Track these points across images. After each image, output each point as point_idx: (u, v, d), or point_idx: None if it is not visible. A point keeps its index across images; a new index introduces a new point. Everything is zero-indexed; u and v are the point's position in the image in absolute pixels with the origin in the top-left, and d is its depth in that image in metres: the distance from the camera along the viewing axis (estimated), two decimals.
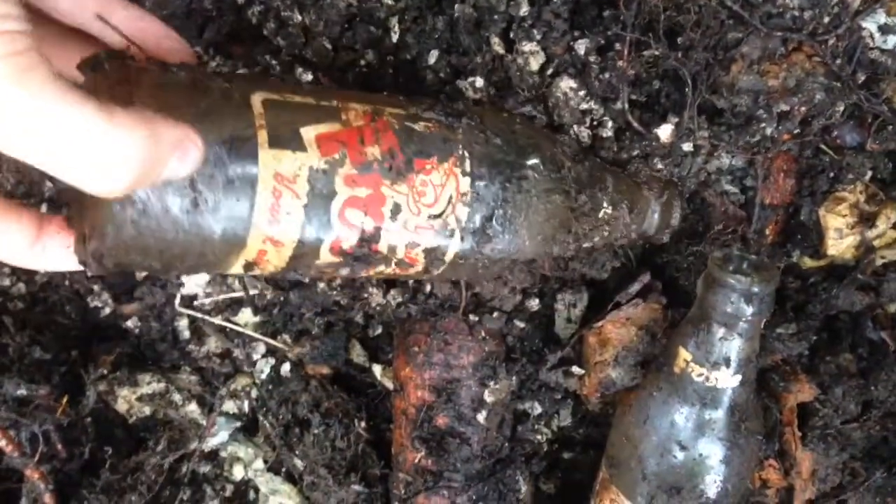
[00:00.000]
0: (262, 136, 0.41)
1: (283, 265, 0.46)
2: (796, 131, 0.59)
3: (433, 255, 0.50)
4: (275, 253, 0.44)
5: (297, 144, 0.43)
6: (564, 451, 0.71)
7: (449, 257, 0.50)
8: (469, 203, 0.49)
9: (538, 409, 0.66)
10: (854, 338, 0.65)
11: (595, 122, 0.58)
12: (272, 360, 0.67)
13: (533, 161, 0.52)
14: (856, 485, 0.66)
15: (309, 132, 0.44)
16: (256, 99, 0.42)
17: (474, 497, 0.61)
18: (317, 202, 0.44)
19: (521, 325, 0.63)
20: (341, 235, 0.46)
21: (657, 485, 0.58)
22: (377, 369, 0.67)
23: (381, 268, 0.49)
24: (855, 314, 0.63)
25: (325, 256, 0.46)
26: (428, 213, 0.48)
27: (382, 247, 0.48)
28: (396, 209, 0.47)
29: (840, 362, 0.63)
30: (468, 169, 0.49)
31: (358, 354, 0.68)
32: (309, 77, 0.59)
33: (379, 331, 0.67)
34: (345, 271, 0.48)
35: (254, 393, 0.67)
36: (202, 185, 0.39)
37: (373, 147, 0.46)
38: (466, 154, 0.50)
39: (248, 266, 0.45)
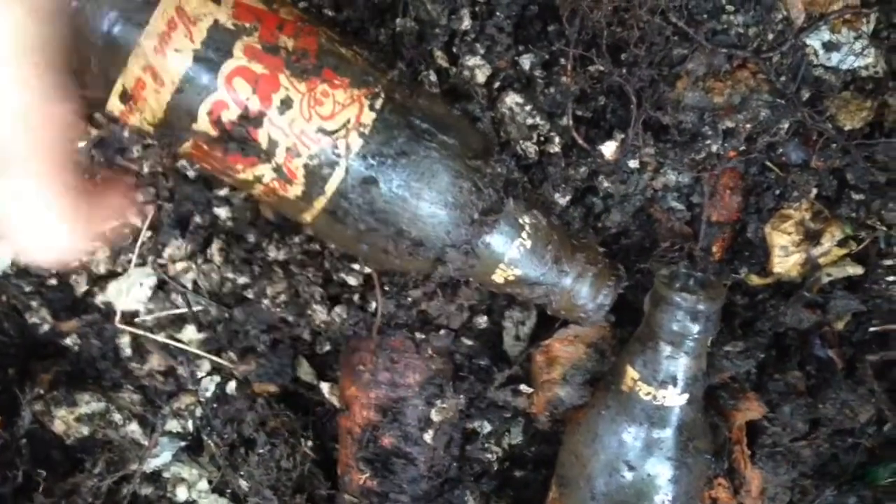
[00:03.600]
0: None
1: (161, 115, 0.45)
2: (742, 148, 0.59)
3: (314, 176, 0.48)
4: (153, 92, 0.44)
5: None
6: (516, 469, 0.70)
7: (330, 188, 0.49)
8: (366, 136, 0.48)
9: (487, 428, 0.65)
10: (802, 355, 0.64)
11: (542, 138, 0.57)
12: (217, 378, 0.66)
13: (452, 140, 0.50)
14: (805, 502, 0.65)
15: None
16: None
17: None
18: (209, 54, 0.44)
19: (469, 342, 0.62)
20: (224, 99, 0.45)
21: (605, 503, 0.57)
22: (325, 387, 0.66)
23: (259, 170, 0.48)
24: (803, 332, 0.63)
25: (203, 122, 0.46)
26: (319, 125, 0.47)
27: (263, 137, 0.47)
28: (287, 103, 0.46)
29: (788, 380, 0.63)
30: (378, 107, 0.48)
31: (305, 372, 0.67)
32: None
33: (327, 348, 0.66)
34: (217, 154, 0.47)
35: (198, 412, 0.66)
36: None
37: (288, 39, 0.46)
38: (383, 95, 0.49)
39: (125, 97, 0.45)
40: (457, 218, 0.51)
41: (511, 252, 0.53)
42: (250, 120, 0.46)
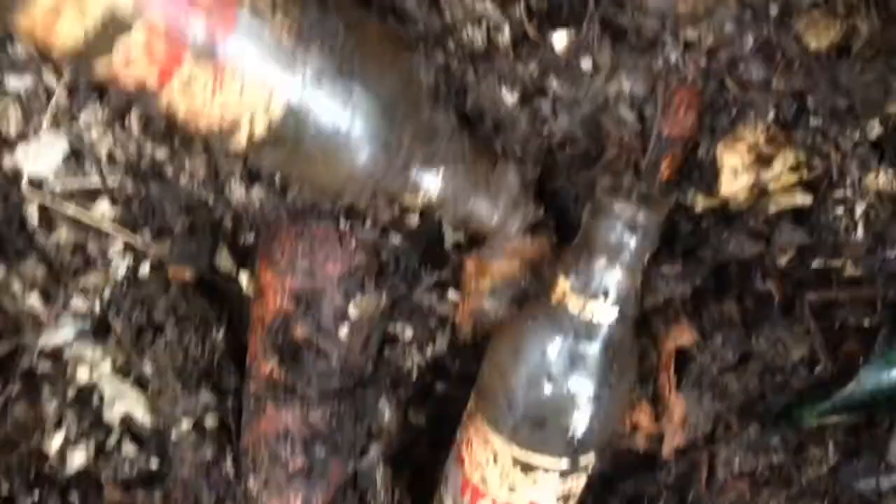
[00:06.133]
0: None
1: None
2: (701, 61, 0.55)
3: None
4: None
5: None
6: (438, 382, 0.68)
7: None
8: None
9: (410, 334, 0.62)
10: (741, 289, 0.63)
11: (491, 27, 0.54)
12: (129, 259, 0.62)
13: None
14: (728, 438, 0.64)
15: None
16: None
17: (329, 414, 0.57)
18: None
19: (397, 241, 0.59)
20: None
21: (522, 418, 0.55)
22: (244, 277, 0.63)
23: None
24: (744, 263, 0.61)
25: None
26: None
27: None
28: None
29: (724, 310, 0.61)
30: None
31: (225, 261, 0.63)
32: None
33: (251, 239, 0.62)
34: None
35: (106, 293, 0.62)
36: None
37: None
38: None
39: None
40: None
41: (425, 182, 0.51)
42: None
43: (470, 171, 0.53)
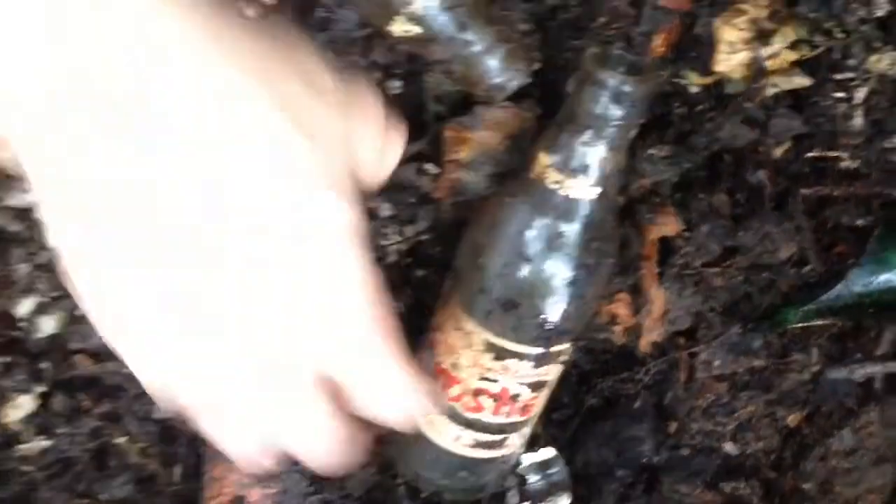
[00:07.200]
0: None
1: None
2: None
3: None
4: None
5: None
6: (418, 268, 0.66)
7: None
8: None
9: (388, 211, 0.60)
10: (734, 182, 0.60)
11: None
12: None
13: None
14: (709, 337, 0.63)
15: None
16: None
17: None
18: None
19: None
20: None
21: (496, 299, 0.54)
22: None
23: None
24: (738, 153, 0.58)
25: None
26: None
27: None
28: None
29: (713, 201, 0.59)
30: None
31: None
32: None
33: None
34: None
35: None
36: None
37: None
38: None
39: None
40: None
41: (415, 3, 0.48)
42: None
43: (461, 8, 0.50)
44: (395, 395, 0.44)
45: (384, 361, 0.43)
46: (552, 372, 0.57)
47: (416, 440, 0.57)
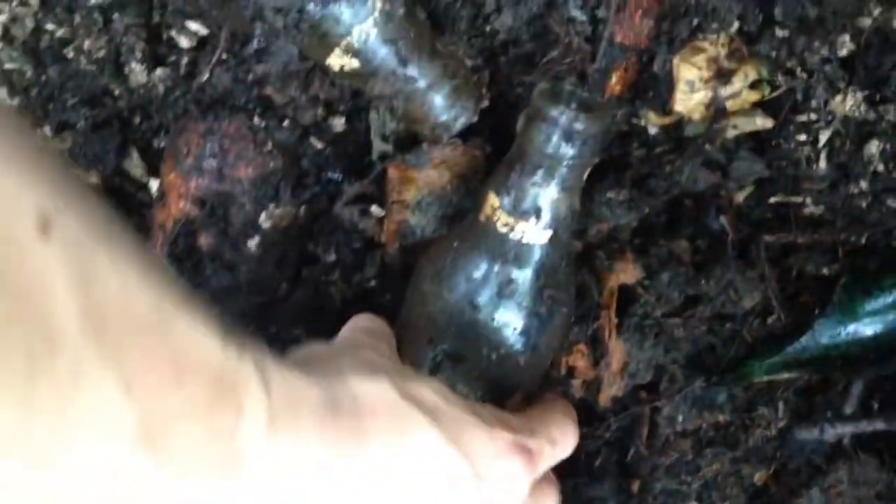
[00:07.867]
0: None
1: None
2: None
3: None
4: None
5: None
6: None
7: None
8: None
9: (332, 257, 0.57)
10: (695, 228, 0.58)
11: None
12: None
13: None
14: (672, 391, 0.59)
15: None
16: None
17: None
18: None
19: (320, 146, 0.53)
20: None
21: (444, 350, 0.50)
22: (155, 185, 0.57)
23: None
24: (699, 197, 0.56)
25: None
26: None
27: None
28: None
29: (673, 248, 0.56)
30: None
31: (135, 166, 0.58)
32: None
33: (164, 142, 0.57)
34: None
35: None
36: None
37: None
38: None
39: None
40: None
41: (352, 35, 0.45)
42: None
43: (407, 24, 0.48)
44: None
45: None
46: None
47: None
